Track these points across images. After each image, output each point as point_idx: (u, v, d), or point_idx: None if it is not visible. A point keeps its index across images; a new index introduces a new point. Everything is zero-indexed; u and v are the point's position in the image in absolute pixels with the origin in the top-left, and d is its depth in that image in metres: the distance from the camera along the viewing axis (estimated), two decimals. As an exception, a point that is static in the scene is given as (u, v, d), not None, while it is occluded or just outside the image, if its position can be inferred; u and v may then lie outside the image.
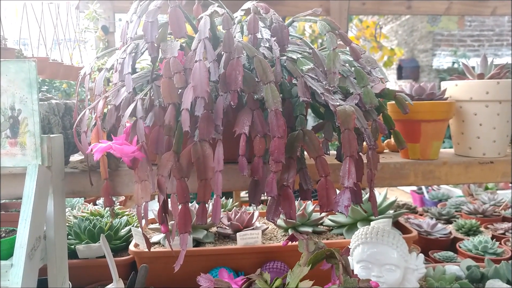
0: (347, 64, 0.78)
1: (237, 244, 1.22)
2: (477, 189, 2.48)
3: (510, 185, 2.60)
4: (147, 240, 0.75)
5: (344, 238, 1.31)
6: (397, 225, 1.41)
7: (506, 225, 1.75)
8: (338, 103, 0.65)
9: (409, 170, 0.91)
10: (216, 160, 0.61)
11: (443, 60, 6.60)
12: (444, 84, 1.00)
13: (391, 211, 1.43)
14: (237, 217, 1.34)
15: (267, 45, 0.73)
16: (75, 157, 0.96)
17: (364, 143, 0.70)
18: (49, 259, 0.78)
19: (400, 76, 7.03)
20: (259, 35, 0.73)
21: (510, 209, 1.97)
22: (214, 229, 1.36)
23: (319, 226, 1.40)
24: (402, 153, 0.98)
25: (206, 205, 0.65)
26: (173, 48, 0.68)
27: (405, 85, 1.01)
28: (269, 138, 0.63)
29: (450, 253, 1.49)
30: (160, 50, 0.70)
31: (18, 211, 0.83)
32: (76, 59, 1.43)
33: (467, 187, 2.48)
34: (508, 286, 1.11)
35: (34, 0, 1.20)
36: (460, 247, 1.55)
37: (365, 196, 1.27)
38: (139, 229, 0.97)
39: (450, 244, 1.63)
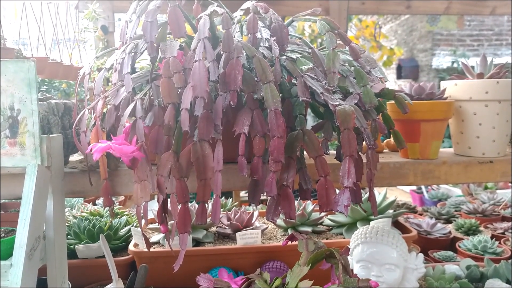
0: (346, 64, 0.78)
1: (236, 244, 1.22)
2: (477, 189, 2.48)
3: (509, 184, 2.60)
4: (146, 240, 0.75)
5: (344, 238, 1.31)
6: (396, 224, 1.42)
7: (505, 224, 1.75)
8: (337, 103, 0.65)
9: (409, 169, 0.91)
10: (215, 160, 0.61)
11: (442, 60, 6.60)
12: (443, 84, 1.00)
13: (391, 211, 1.43)
14: (236, 216, 1.34)
15: (266, 44, 0.73)
16: (75, 157, 0.96)
17: (364, 142, 0.70)
18: (48, 259, 0.78)
19: (399, 76, 7.03)
20: (258, 35, 0.73)
21: (509, 209, 1.97)
22: (213, 229, 1.36)
23: (318, 226, 1.40)
24: (402, 153, 0.98)
25: (206, 205, 0.65)
26: (172, 48, 0.68)
27: (404, 85, 1.01)
28: (268, 137, 0.63)
29: (450, 253, 1.50)
30: (159, 49, 0.70)
31: (18, 211, 0.83)
32: (75, 59, 1.43)
33: (466, 186, 2.48)
34: (508, 285, 1.11)
35: (33, 0, 1.20)
36: (459, 246, 1.55)
37: (365, 195, 1.27)
38: (139, 229, 0.97)
39: (450, 243, 1.63)
